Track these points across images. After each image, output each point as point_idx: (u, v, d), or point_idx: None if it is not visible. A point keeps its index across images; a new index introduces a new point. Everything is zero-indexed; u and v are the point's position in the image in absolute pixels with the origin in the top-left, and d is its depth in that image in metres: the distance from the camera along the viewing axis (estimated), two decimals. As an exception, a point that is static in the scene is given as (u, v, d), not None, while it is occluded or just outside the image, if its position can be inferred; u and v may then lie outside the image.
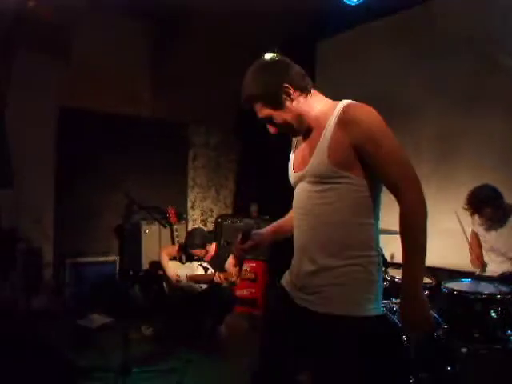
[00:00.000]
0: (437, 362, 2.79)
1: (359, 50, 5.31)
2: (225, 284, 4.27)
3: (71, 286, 4.91)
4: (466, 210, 3.46)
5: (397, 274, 3.39)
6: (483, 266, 3.63)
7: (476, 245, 3.71)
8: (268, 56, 1.85)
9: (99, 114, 5.26)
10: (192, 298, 4.27)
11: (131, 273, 5.07)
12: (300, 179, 1.74)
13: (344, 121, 1.59)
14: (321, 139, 1.64)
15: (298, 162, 1.79)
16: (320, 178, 1.64)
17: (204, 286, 4.32)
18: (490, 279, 3.12)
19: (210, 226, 6.29)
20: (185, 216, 6.03)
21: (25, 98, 4.70)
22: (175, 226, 4.70)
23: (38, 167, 4.91)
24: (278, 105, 1.71)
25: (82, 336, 4.10)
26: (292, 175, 1.82)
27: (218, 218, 6.15)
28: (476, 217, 3.53)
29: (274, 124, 1.76)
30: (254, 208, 5.90)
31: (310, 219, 1.69)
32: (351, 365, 1.56)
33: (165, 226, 4.67)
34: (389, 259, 3.86)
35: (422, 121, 4.70)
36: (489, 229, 3.55)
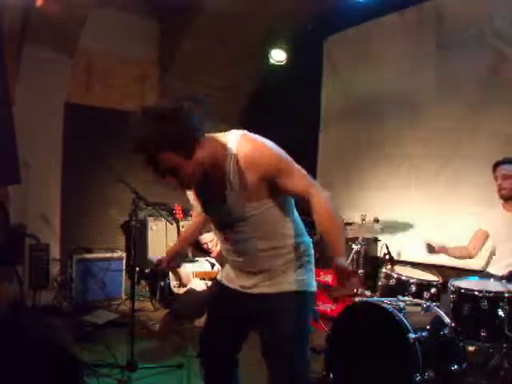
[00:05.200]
0: (443, 360, 2.77)
1: (368, 47, 5.28)
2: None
3: (78, 281, 4.93)
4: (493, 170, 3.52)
5: (403, 272, 3.37)
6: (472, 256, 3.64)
7: (478, 237, 3.66)
8: (168, 103, 1.73)
9: (105, 111, 5.27)
10: (198, 295, 4.28)
11: (138, 269, 5.09)
12: (220, 217, 1.94)
13: (245, 163, 1.76)
14: (229, 184, 1.80)
15: (205, 202, 1.98)
16: (244, 218, 1.86)
17: (210, 283, 4.32)
18: (498, 277, 3.10)
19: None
20: (191, 213, 6.03)
21: (32, 94, 4.71)
22: (182, 223, 4.70)
23: (46, 164, 4.93)
24: (189, 155, 1.68)
25: (88, 332, 4.11)
26: (205, 207, 2.01)
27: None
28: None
29: (178, 176, 1.73)
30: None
31: (241, 244, 1.94)
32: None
33: (171, 223, 4.67)
34: (395, 257, 3.84)
35: (432, 117, 4.67)
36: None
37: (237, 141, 1.79)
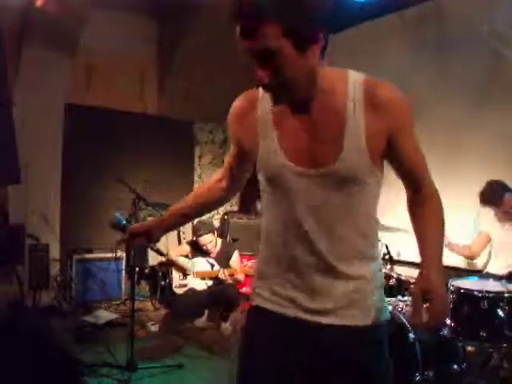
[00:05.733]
0: (443, 361, 2.77)
1: (368, 47, 5.28)
2: (230, 281, 4.27)
3: (78, 282, 4.93)
4: (486, 205, 3.56)
5: (403, 272, 3.38)
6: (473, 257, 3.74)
7: (480, 239, 3.69)
8: None
9: (105, 111, 5.27)
10: (198, 295, 4.28)
11: (137, 269, 5.09)
12: (312, 177, 1.27)
13: (377, 103, 1.25)
14: (348, 123, 1.23)
15: (296, 150, 1.28)
16: (354, 179, 1.27)
17: (210, 283, 4.32)
18: (498, 277, 3.10)
19: (216, 224, 6.30)
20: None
21: (32, 94, 4.71)
22: (182, 223, 4.68)
23: (46, 164, 4.93)
24: (303, 45, 1.16)
25: (88, 332, 4.12)
26: (287, 167, 1.29)
27: (224, 215, 6.16)
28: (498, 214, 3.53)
29: (275, 68, 1.17)
30: (260, 205, 5.90)
31: (322, 227, 1.29)
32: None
33: (171, 223, 4.65)
34: (395, 257, 3.84)
35: (431, 117, 4.66)
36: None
37: (360, 76, 1.29)
